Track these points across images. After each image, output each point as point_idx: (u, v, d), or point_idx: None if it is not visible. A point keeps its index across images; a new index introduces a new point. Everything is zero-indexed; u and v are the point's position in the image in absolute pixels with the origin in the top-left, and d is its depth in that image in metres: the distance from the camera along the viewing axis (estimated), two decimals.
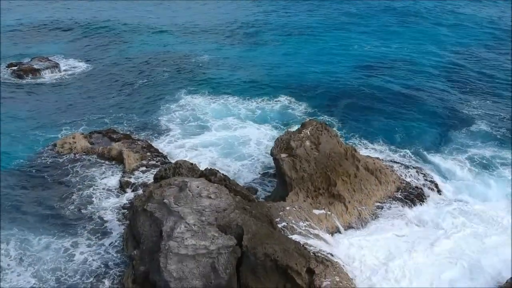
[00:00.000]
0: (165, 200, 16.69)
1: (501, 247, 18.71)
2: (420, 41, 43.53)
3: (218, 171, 18.84)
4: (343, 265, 16.87)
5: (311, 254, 16.26)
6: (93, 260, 18.43)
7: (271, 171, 24.07)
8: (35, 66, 39.28)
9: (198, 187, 16.96)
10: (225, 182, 18.28)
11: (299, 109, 31.03)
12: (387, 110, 30.54)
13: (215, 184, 17.65)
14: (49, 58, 41.34)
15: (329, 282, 15.47)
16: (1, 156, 25.33)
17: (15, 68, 39.29)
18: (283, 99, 32.24)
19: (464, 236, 19.36)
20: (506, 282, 15.99)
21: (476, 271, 17.49)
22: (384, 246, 18.47)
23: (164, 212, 16.45)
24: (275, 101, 32.11)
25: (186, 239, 15.13)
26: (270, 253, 15.41)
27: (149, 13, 57.89)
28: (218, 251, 15.13)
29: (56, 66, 39.83)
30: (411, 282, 16.96)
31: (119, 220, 20.69)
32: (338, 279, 15.77)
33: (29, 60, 40.91)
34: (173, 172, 19.24)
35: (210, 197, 16.60)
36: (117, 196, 22.39)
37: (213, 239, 15.22)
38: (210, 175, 18.44)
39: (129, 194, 22.34)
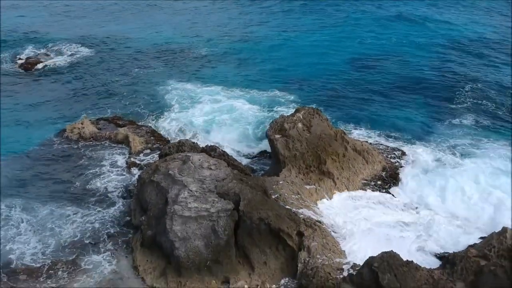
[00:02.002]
0: (170, 172, 18.52)
1: None
2: (409, 37, 45.15)
3: (217, 147, 20.66)
4: (330, 231, 18.69)
5: (301, 219, 18.09)
6: (97, 226, 20.00)
7: (266, 154, 25.88)
8: (41, 59, 41.02)
9: (199, 160, 18.80)
10: (224, 157, 20.11)
11: (290, 98, 32.55)
12: (376, 101, 31.99)
13: (215, 158, 19.48)
14: (54, 49, 43.20)
15: (316, 243, 17.33)
16: (13, 143, 27.23)
17: (23, 61, 40.98)
18: (274, 91, 33.78)
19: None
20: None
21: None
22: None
23: (169, 182, 18.26)
24: (265, 91, 33.71)
25: (189, 203, 16.97)
26: (264, 218, 17.26)
27: (146, 13, 59.67)
28: (217, 214, 16.94)
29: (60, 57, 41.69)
30: None
31: (123, 195, 22.19)
32: (325, 241, 17.62)
33: (36, 53, 42.68)
34: (177, 149, 21.04)
35: (210, 168, 18.43)
36: (123, 175, 24.11)
37: (213, 203, 17.06)
38: (210, 151, 20.27)
39: (135, 173, 24.08)
